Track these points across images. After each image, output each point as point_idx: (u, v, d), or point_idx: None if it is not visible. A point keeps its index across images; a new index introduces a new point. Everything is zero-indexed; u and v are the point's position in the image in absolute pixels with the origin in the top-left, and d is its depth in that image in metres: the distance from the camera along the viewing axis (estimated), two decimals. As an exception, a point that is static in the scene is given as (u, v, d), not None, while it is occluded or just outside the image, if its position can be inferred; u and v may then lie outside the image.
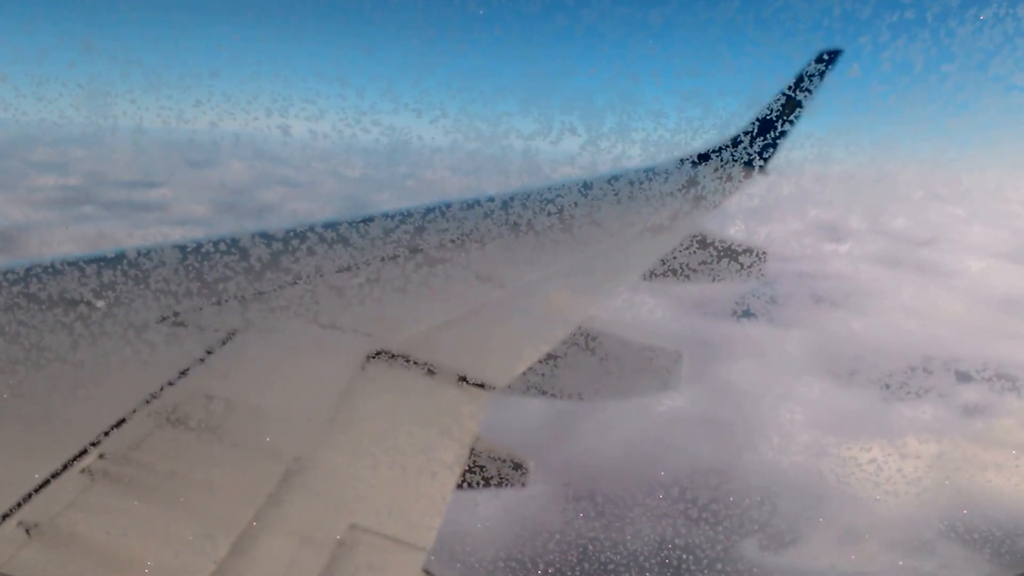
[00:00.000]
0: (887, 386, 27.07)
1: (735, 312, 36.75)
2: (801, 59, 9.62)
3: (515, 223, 6.46)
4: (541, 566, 15.13)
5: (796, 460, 20.67)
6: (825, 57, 9.23)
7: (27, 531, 2.03)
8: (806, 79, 9.35)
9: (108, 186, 75.11)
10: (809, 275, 47.24)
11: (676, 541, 15.95)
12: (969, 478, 19.63)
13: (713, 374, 27.66)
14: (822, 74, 9.22)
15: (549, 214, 6.96)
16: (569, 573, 14.88)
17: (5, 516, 2.06)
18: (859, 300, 41.58)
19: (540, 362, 3.97)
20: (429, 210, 6.47)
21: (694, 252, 6.84)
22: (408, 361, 3.56)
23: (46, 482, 2.22)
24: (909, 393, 26.66)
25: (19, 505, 2.11)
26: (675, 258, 6.50)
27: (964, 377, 27.70)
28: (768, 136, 9.72)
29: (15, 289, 3.60)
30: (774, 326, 35.38)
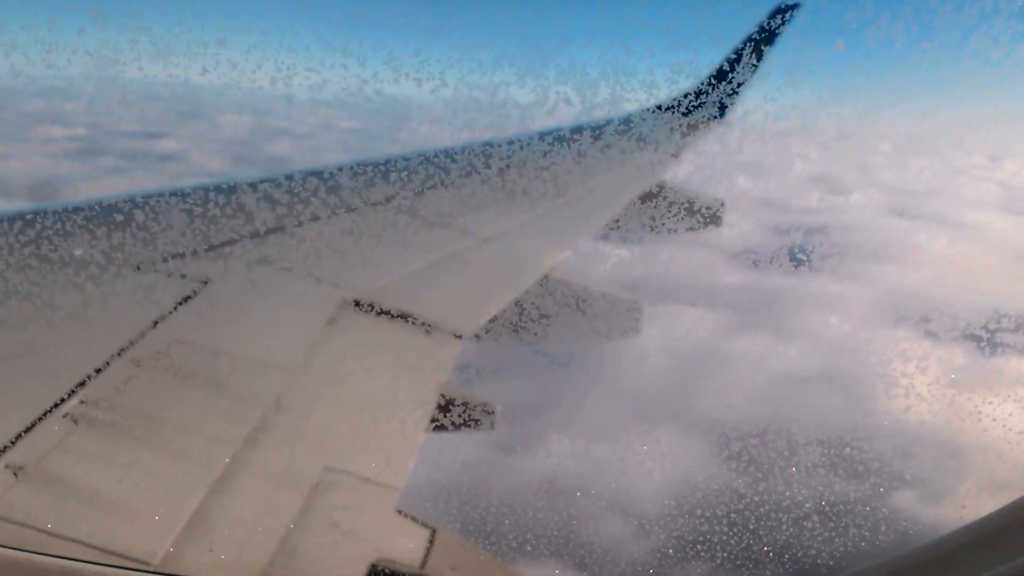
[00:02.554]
0: (966, 336, 26.50)
1: (770, 261, 35.81)
2: (763, 12, 9.42)
3: (482, 174, 6.34)
4: (531, 510, 14.56)
5: (899, 411, 19.97)
6: (783, 9, 8.97)
7: (14, 473, 2.00)
8: (763, 31, 9.11)
9: (117, 137, 70.98)
10: (828, 227, 46.77)
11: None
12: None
13: (765, 325, 26.79)
14: (780, 26, 8.97)
15: (513, 165, 6.82)
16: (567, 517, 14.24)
17: None
18: (893, 252, 41.11)
19: (506, 310, 3.92)
20: (397, 161, 6.30)
21: (654, 202, 6.73)
22: (380, 310, 3.53)
23: (31, 426, 2.19)
24: (990, 344, 26.15)
25: (5, 449, 2.07)
26: (636, 208, 6.38)
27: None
28: (727, 87, 9.57)
29: None
30: (827, 278, 34.61)
